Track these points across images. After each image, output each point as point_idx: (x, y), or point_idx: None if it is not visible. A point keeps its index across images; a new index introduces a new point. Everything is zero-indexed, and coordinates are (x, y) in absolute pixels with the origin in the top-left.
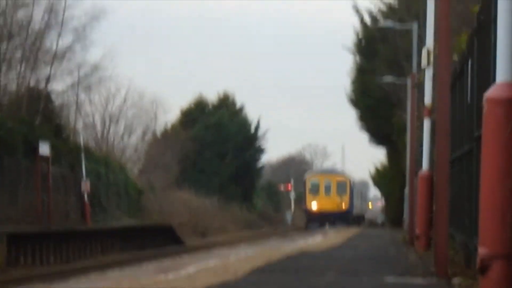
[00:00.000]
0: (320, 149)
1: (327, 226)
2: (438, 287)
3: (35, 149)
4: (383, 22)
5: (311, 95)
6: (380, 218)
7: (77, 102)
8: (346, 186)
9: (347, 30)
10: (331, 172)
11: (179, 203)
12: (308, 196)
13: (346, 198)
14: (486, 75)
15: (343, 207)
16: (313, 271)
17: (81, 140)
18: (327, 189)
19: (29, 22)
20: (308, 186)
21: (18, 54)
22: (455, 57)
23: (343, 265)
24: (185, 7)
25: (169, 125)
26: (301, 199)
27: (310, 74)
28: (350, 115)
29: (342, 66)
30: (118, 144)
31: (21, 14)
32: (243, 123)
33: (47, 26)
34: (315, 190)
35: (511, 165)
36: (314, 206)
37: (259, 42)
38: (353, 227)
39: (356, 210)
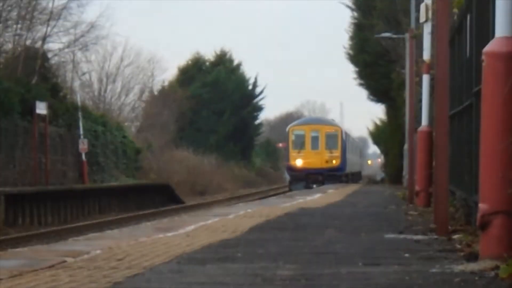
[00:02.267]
0: (318, 105)
1: (314, 187)
2: (438, 244)
3: (32, 108)
4: None
5: (309, 52)
6: (379, 175)
7: (73, 61)
8: (337, 138)
9: None
10: (318, 121)
11: (177, 162)
12: (292, 151)
13: (338, 152)
14: (485, 29)
15: (334, 163)
16: (312, 229)
17: (78, 99)
18: (314, 142)
19: None
20: (291, 138)
21: (14, 13)
22: (456, 10)
23: (342, 223)
24: None
25: (166, 84)
26: None
27: (308, 31)
28: (348, 72)
29: (341, 22)
30: (115, 103)
31: None
32: (241, 81)
33: None
34: (299, 143)
35: (511, 120)
36: (298, 162)
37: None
38: (351, 185)
39: (353, 167)
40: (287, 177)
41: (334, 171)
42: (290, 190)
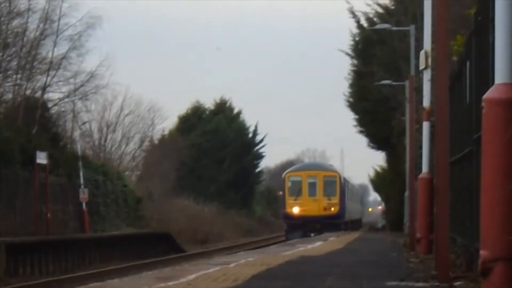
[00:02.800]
0: (319, 153)
1: (312, 235)
2: None
3: (33, 158)
4: (380, 25)
5: (309, 100)
6: (380, 222)
7: (73, 111)
8: (335, 184)
9: (343, 34)
10: (316, 167)
11: (178, 211)
12: (288, 198)
13: (336, 199)
14: (485, 76)
15: (333, 211)
16: (314, 277)
17: (79, 148)
18: (312, 188)
19: (24, 31)
20: (288, 185)
21: (14, 63)
22: (455, 58)
23: (343, 270)
24: (179, 11)
25: (166, 132)
26: None
27: (308, 78)
28: (348, 119)
29: (340, 70)
30: (115, 152)
31: (16, 23)
32: (241, 129)
33: (42, 35)
34: (296, 190)
35: (511, 168)
36: (295, 210)
37: (255, 49)
38: (352, 233)
39: (353, 214)
40: None
41: (332, 219)
42: (287, 239)
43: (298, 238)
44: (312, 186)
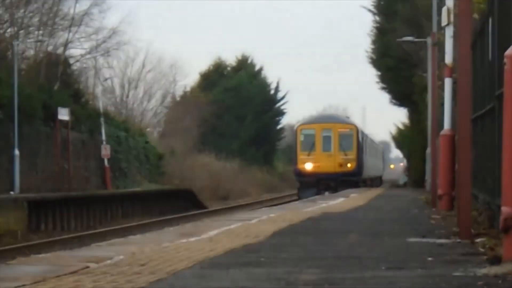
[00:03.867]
0: (340, 110)
1: (326, 194)
2: (461, 247)
3: (54, 115)
4: None
5: (332, 56)
6: (402, 179)
7: (95, 67)
8: (352, 138)
9: None
10: (331, 119)
11: (200, 167)
12: (300, 153)
13: (353, 154)
14: (507, 33)
15: (349, 167)
16: (335, 233)
17: (100, 105)
18: (326, 142)
19: None
20: (300, 138)
21: (36, 19)
22: (476, 15)
23: (365, 227)
24: None
25: (188, 89)
26: None
27: (330, 35)
28: (371, 76)
29: (362, 27)
30: (137, 109)
31: None
32: (263, 85)
33: None
34: (309, 144)
35: None
36: (308, 166)
37: (276, 6)
38: (374, 189)
39: (372, 171)
40: None
41: (349, 176)
42: (299, 198)
43: (311, 197)
44: (327, 140)
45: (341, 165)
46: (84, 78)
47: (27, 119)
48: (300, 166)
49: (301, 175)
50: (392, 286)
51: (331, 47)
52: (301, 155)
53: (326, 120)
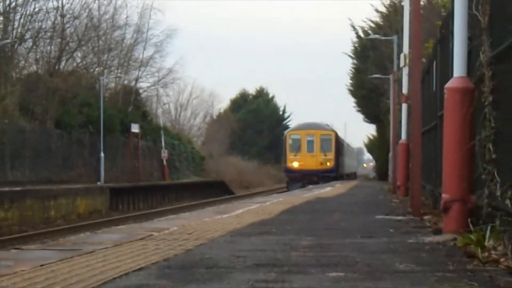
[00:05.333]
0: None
1: (310, 187)
2: (413, 222)
3: (129, 128)
4: (372, 35)
5: (324, 86)
6: (371, 174)
7: (157, 95)
8: (331, 142)
9: (347, 42)
10: (314, 126)
11: (230, 166)
12: (289, 154)
13: (331, 155)
14: (446, 72)
15: (328, 165)
16: (325, 212)
17: (161, 122)
18: (310, 145)
19: (122, 39)
20: (289, 142)
21: (115, 62)
22: (424, 59)
23: (345, 208)
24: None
25: (222, 111)
26: None
27: (322, 72)
28: (350, 102)
29: (344, 68)
30: (186, 124)
31: (116, 33)
32: (274, 109)
33: (135, 42)
34: (296, 147)
35: (464, 135)
36: (295, 164)
37: (284, 49)
38: (352, 181)
39: (349, 169)
40: None
41: (328, 173)
42: (288, 190)
43: (298, 189)
44: (310, 143)
45: (321, 164)
46: (149, 103)
47: (109, 132)
48: (288, 164)
49: (290, 171)
50: (364, 249)
51: (323, 80)
52: (289, 156)
53: (310, 127)
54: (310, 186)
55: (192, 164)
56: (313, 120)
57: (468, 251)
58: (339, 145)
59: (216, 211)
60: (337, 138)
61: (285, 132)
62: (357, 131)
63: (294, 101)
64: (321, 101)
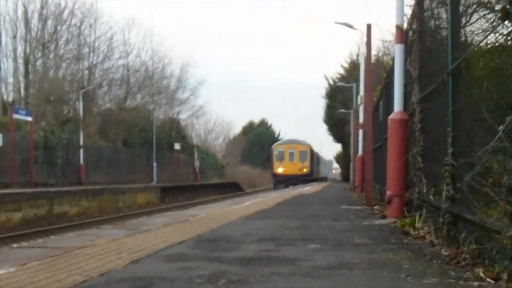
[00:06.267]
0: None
1: (290, 187)
2: (367, 211)
3: (172, 147)
4: (339, 83)
5: (306, 116)
6: (338, 178)
7: (192, 124)
8: (307, 154)
9: (322, 85)
10: (294, 142)
11: (242, 172)
12: (275, 162)
13: (307, 163)
14: (389, 107)
15: (305, 171)
16: (306, 203)
17: (194, 142)
18: (291, 156)
19: (168, 86)
20: (275, 153)
21: (164, 101)
22: (375, 99)
23: (321, 200)
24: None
25: (236, 134)
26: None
27: (304, 107)
28: (324, 128)
29: (320, 105)
30: (212, 144)
31: (164, 82)
32: (272, 133)
33: (177, 88)
34: (280, 157)
35: (401, 150)
36: (280, 170)
37: (280, 87)
38: (325, 182)
39: (322, 174)
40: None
41: (305, 177)
42: (274, 189)
43: (282, 189)
44: (291, 154)
45: (300, 170)
46: (186, 129)
47: (159, 149)
48: (275, 170)
49: (275, 175)
50: (334, 229)
51: (307, 112)
52: (275, 163)
53: (291, 142)
54: (293, 186)
55: (215, 171)
56: (293, 136)
57: (404, 230)
58: (313, 156)
59: (232, 202)
60: (312, 151)
61: (272, 146)
62: (329, 148)
63: (285, 125)
64: (304, 126)
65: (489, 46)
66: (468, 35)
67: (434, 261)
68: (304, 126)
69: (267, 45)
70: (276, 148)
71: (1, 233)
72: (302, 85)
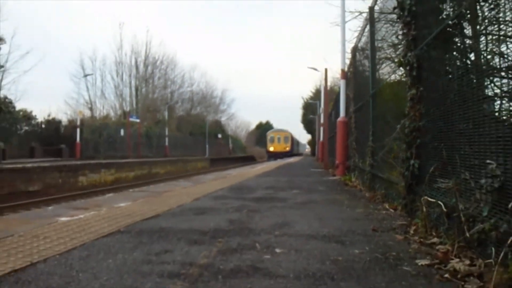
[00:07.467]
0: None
1: (278, 160)
2: (325, 172)
3: (217, 136)
4: (310, 100)
5: (292, 118)
6: (309, 154)
7: (228, 123)
8: (289, 138)
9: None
10: (280, 131)
11: (255, 150)
12: (268, 143)
13: (289, 144)
14: (337, 114)
15: (287, 149)
16: (291, 167)
17: (229, 133)
18: (279, 139)
19: (214, 102)
20: (268, 138)
21: (212, 110)
22: (330, 108)
23: (297, 167)
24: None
25: (252, 129)
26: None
27: (290, 113)
28: (301, 126)
29: (298, 113)
30: (239, 134)
31: (212, 100)
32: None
33: (220, 103)
34: (272, 140)
35: (344, 139)
36: (271, 148)
37: (278, 97)
38: (300, 156)
39: (298, 151)
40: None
41: (287, 153)
42: (268, 160)
43: (273, 161)
44: (279, 138)
45: (284, 148)
46: (224, 126)
47: (210, 137)
48: (268, 148)
49: (268, 152)
50: (306, 181)
51: (293, 114)
52: (268, 144)
53: (278, 130)
54: (280, 159)
55: (240, 148)
56: (281, 127)
57: (345, 183)
58: (293, 140)
59: (250, 167)
60: (292, 136)
61: (266, 133)
62: (304, 137)
63: (279, 122)
64: (290, 123)
65: (391, 81)
66: (380, 75)
67: (362, 200)
68: (290, 123)
69: (273, 74)
70: (269, 135)
71: (124, 183)
72: (291, 98)
